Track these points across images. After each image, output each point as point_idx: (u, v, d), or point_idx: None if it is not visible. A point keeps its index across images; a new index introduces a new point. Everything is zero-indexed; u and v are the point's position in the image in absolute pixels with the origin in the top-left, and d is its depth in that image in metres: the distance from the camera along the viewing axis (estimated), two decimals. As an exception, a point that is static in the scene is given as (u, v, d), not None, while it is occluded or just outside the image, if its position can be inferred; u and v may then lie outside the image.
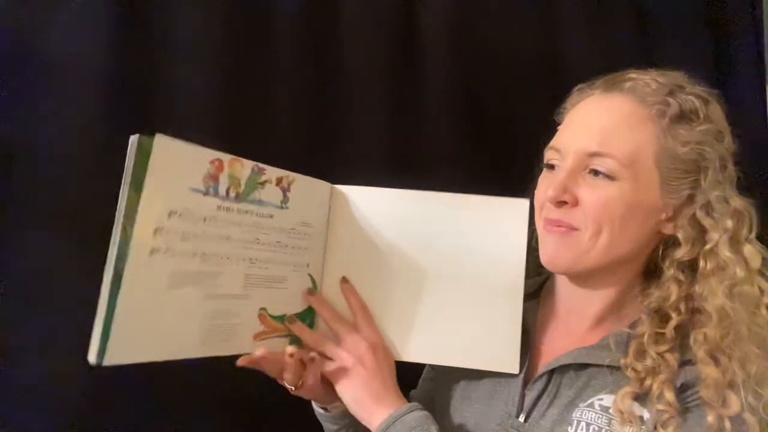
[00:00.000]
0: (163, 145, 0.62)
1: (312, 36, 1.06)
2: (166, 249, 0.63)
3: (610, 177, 0.70)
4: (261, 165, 0.73)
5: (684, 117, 0.72)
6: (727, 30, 1.35)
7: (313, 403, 0.82)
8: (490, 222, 0.79)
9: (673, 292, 0.71)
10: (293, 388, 0.75)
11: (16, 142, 0.85)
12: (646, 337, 0.70)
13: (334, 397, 0.77)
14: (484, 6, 1.19)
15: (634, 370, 0.68)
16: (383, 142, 1.09)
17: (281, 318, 0.77)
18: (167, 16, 0.94)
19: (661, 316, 0.72)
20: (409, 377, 0.93)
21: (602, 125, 0.72)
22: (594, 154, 0.71)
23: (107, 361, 0.59)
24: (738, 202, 0.71)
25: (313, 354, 0.75)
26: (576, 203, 0.71)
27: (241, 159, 0.70)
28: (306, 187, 0.79)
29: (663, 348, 0.69)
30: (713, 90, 0.75)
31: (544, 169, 0.77)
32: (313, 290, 0.79)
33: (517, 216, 0.78)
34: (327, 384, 0.77)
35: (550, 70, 1.21)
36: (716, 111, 0.74)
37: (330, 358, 0.76)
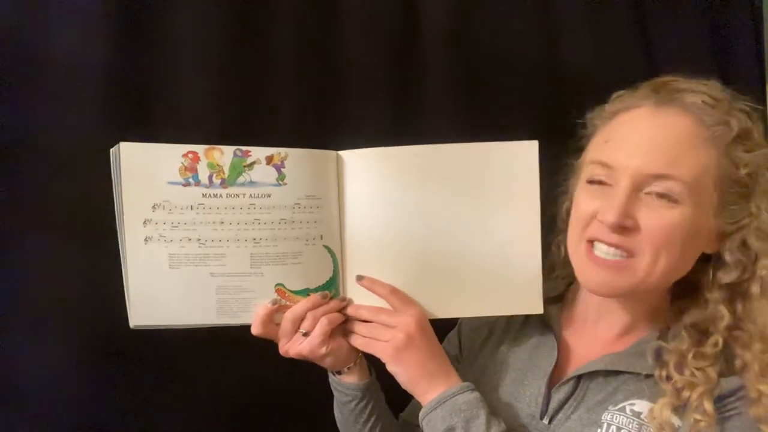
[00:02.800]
0: (130, 149, 0.72)
1: (312, 34, 1.04)
2: (159, 236, 0.74)
3: (674, 201, 0.67)
4: (244, 148, 0.76)
5: (741, 138, 0.69)
6: (727, 29, 1.34)
7: (329, 373, 0.82)
8: (502, 167, 0.77)
9: (725, 315, 0.70)
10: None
11: (16, 142, 0.87)
12: (689, 354, 0.68)
13: (343, 363, 0.79)
14: (484, 5, 1.17)
15: (672, 382, 0.67)
16: (382, 142, 1.00)
17: (304, 292, 0.78)
18: (167, 15, 0.95)
19: (700, 333, 0.70)
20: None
21: (666, 145, 0.68)
22: (660, 177, 0.67)
23: (132, 324, 0.74)
24: None
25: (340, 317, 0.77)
26: (637, 228, 0.68)
27: (220, 147, 0.75)
28: (304, 160, 0.77)
29: (704, 364, 0.68)
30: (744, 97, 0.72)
31: (587, 184, 0.73)
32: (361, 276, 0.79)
33: (528, 158, 0.76)
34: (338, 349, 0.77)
35: (550, 69, 1.19)
36: (758, 130, 0.71)
37: (374, 338, 0.76)
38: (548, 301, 0.79)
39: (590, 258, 0.70)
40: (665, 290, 0.74)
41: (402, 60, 1.11)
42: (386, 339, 0.74)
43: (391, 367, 0.73)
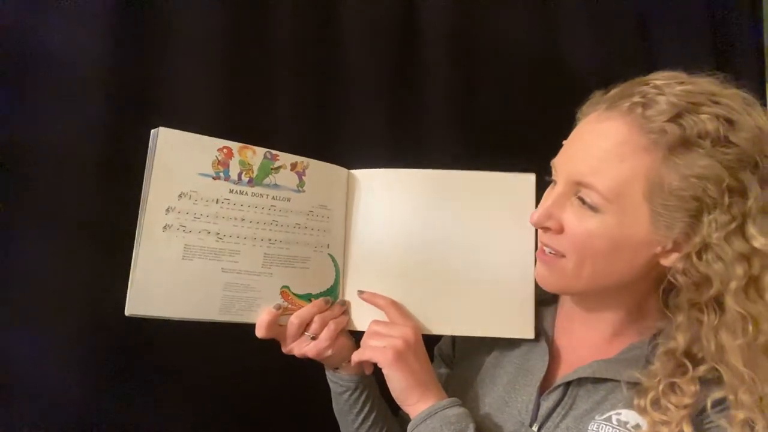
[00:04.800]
0: (167, 135, 0.72)
1: (312, 36, 1.07)
2: (179, 226, 0.73)
3: (594, 209, 0.67)
4: (274, 151, 0.79)
5: (687, 144, 0.63)
6: (727, 29, 1.32)
7: (326, 367, 0.84)
8: (499, 197, 0.82)
9: (681, 341, 0.66)
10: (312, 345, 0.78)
11: (17, 142, 0.86)
12: (661, 387, 0.65)
13: (342, 360, 0.82)
14: (485, 5, 1.18)
15: (650, 415, 0.65)
16: (383, 143, 1.09)
17: (306, 296, 0.81)
18: (167, 15, 0.96)
19: (677, 362, 0.67)
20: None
21: (593, 153, 0.67)
22: (581, 184, 0.67)
23: (128, 312, 0.71)
24: (762, 242, 0.62)
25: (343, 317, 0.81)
26: (561, 230, 0.70)
27: (252, 146, 0.78)
28: (321, 171, 0.83)
29: (686, 401, 0.64)
30: (750, 99, 0.65)
31: (551, 184, 0.74)
32: (362, 291, 0.82)
33: (525, 190, 0.81)
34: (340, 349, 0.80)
35: (550, 69, 1.19)
36: (744, 131, 0.63)
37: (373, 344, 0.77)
38: (543, 302, 0.82)
39: (538, 253, 0.75)
40: (641, 298, 0.73)
41: (402, 60, 1.13)
42: (384, 345, 0.75)
43: (388, 371, 0.74)
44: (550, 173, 0.75)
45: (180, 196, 0.73)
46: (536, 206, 0.80)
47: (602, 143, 0.67)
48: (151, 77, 0.95)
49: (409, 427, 0.74)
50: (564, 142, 0.73)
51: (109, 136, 0.84)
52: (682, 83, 0.66)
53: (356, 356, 0.78)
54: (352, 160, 0.86)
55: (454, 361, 0.90)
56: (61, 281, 0.86)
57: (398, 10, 1.13)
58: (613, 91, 0.70)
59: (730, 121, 0.63)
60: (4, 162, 0.85)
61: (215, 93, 0.99)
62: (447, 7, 1.15)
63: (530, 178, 0.82)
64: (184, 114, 0.94)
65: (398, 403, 0.77)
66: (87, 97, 0.89)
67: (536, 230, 0.79)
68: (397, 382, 0.75)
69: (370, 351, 0.77)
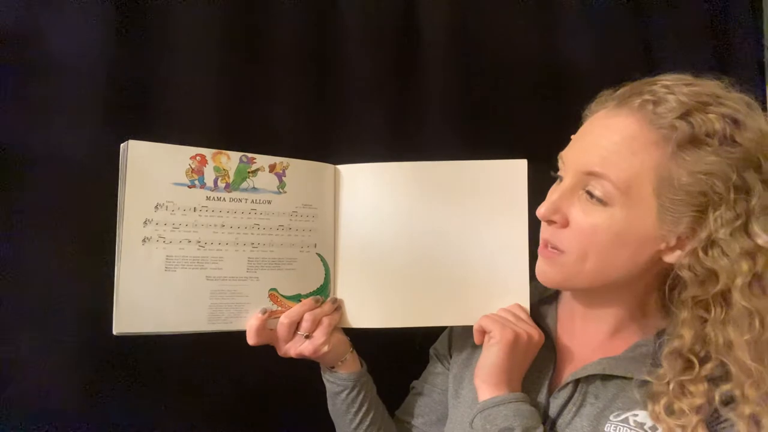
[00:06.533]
0: (138, 147, 0.72)
1: (312, 36, 1.06)
2: (158, 237, 0.73)
3: (603, 202, 0.67)
4: (250, 155, 0.78)
5: (696, 141, 0.64)
6: (727, 30, 1.32)
7: (321, 368, 0.84)
8: (493, 184, 0.81)
9: (687, 338, 0.66)
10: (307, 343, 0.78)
11: (16, 142, 0.85)
12: (671, 388, 0.65)
13: (338, 358, 0.81)
14: (484, 6, 1.17)
15: (665, 422, 0.65)
16: (382, 143, 1.07)
17: (295, 297, 0.81)
18: (167, 16, 0.94)
19: (684, 360, 0.66)
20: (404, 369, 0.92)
21: (604, 145, 0.68)
22: (591, 174, 0.67)
23: (116, 331, 0.71)
24: (766, 239, 0.63)
25: (336, 307, 0.81)
26: (566, 224, 0.69)
27: (227, 152, 0.77)
28: (303, 170, 0.81)
29: (697, 402, 0.64)
30: (753, 103, 0.67)
31: (557, 180, 0.74)
32: None
33: (517, 176, 0.80)
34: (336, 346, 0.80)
35: (550, 70, 1.19)
36: (749, 132, 0.64)
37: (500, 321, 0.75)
38: (543, 300, 0.82)
39: (540, 249, 0.74)
40: (642, 295, 0.73)
41: (401, 59, 1.12)
42: (508, 325, 0.74)
43: (494, 348, 0.73)
44: (548, 172, 0.75)
45: (156, 207, 0.73)
46: (528, 192, 0.80)
47: (613, 136, 0.67)
48: (149, 79, 0.94)
49: (479, 406, 0.73)
50: (572, 137, 0.73)
51: (108, 141, 0.84)
52: (689, 84, 0.68)
53: (482, 320, 0.76)
54: (351, 160, 0.84)
55: (451, 360, 0.87)
56: (57, 287, 0.87)
57: (398, 10, 1.12)
58: (622, 90, 0.71)
59: (736, 122, 0.65)
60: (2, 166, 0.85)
61: (213, 93, 0.98)
62: (446, 6, 1.14)
63: (522, 164, 0.81)
64: (181, 115, 0.95)
65: (475, 376, 0.75)
66: (86, 99, 0.89)
67: (530, 217, 0.78)
68: (493, 358, 0.73)
69: (492, 322, 0.75)
